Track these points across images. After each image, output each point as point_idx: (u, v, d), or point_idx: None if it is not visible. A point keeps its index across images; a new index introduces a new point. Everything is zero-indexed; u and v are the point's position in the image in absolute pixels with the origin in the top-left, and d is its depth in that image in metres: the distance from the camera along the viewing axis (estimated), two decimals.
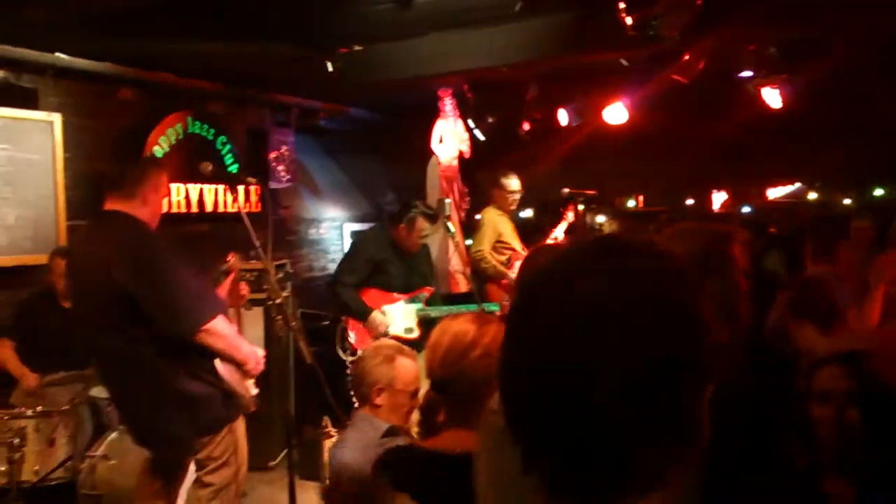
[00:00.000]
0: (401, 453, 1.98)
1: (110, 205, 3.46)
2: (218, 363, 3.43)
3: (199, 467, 3.51)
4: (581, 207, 6.81)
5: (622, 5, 3.99)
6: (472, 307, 5.21)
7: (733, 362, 1.91)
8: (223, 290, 3.89)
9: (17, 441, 4.05)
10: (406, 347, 3.18)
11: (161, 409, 3.35)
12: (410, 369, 3.05)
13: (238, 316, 3.91)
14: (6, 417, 4.20)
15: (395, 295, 5.40)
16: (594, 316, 0.86)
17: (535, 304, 0.91)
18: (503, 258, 6.09)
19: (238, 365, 3.52)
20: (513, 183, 6.24)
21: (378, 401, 2.98)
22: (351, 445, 2.87)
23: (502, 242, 6.14)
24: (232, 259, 4.23)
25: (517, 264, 5.95)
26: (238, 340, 3.52)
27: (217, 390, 3.40)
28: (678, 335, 0.89)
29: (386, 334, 5.19)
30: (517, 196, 6.28)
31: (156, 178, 3.53)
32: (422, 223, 5.39)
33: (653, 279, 0.91)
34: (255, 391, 3.72)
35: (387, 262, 5.39)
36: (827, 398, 2.31)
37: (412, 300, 5.42)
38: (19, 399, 4.57)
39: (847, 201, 11.78)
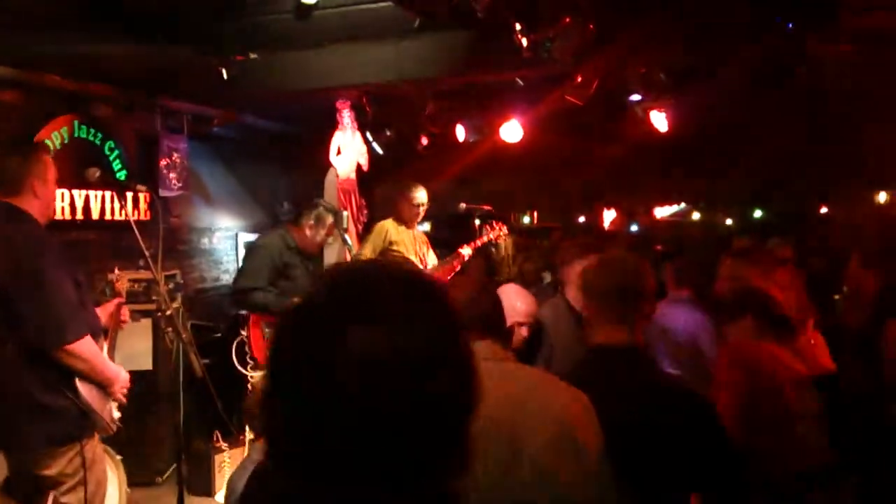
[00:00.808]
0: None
1: (5, 196, 3.29)
2: (78, 380, 3.31)
3: (54, 485, 3.33)
4: (478, 223, 6.88)
5: (518, 27, 4.10)
6: None
7: None
8: (105, 311, 3.74)
9: None
10: None
11: (13, 413, 3.23)
12: None
13: (113, 333, 3.76)
14: None
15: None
16: (369, 365, 0.88)
17: (309, 347, 0.92)
18: None
19: (101, 386, 3.41)
20: (420, 195, 6.20)
21: None
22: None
23: (393, 251, 6.13)
24: (119, 280, 4.08)
25: None
26: (102, 362, 3.38)
27: (73, 405, 3.27)
28: (448, 380, 0.92)
29: None
30: (422, 209, 6.25)
31: (41, 165, 3.35)
32: (329, 218, 5.40)
33: (427, 329, 0.93)
34: (117, 414, 3.60)
35: (290, 266, 5.31)
36: None
37: None
38: None
39: (729, 221, 12.41)
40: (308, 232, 5.35)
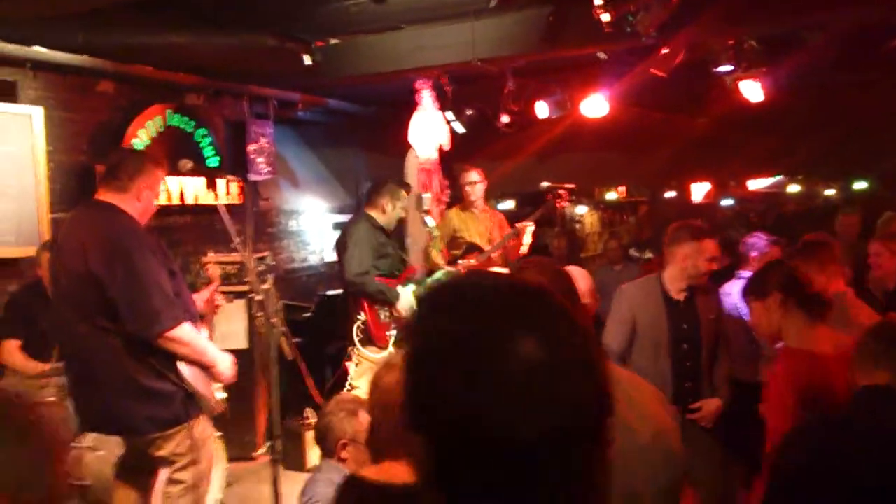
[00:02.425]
0: (345, 491, 1.99)
1: (101, 195, 3.49)
2: (182, 364, 3.45)
3: (168, 464, 3.53)
4: (564, 204, 6.80)
5: (598, 1, 4.03)
6: (443, 276, 5.51)
7: None
8: (200, 298, 3.90)
9: None
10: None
11: (121, 401, 3.36)
12: None
13: (211, 318, 3.92)
14: None
15: (395, 280, 5.45)
16: (528, 380, 0.88)
17: (467, 362, 0.90)
18: (458, 252, 6.14)
19: (205, 369, 3.55)
20: (469, 176, 6.21)
21: (343, 455, 3.04)
22: (320, 488, 2.93)
23: (457, 238, 6.17)
24: (209, 266, 4.25)
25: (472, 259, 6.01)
26: (204, 346, 3.52)
27: (179, 389, 3.42)
28: (597, 397, 0.93)
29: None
30: (476, 187, 6.19)
31: (152, 174, 3.54)
32: (403, 192, 5.52)
33: (576, 343, 0.93)
34: (221, 395, 3.74)
35: (384, 245, 5.45)
36: None
37: (406, 282, 5.49)
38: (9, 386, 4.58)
39: (830, 192, 11.92)
40: (388, 208, 5.46)
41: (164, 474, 3.62)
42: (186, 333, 3.40)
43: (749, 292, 3.18)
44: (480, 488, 0.89)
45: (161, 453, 3.48)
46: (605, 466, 0.95)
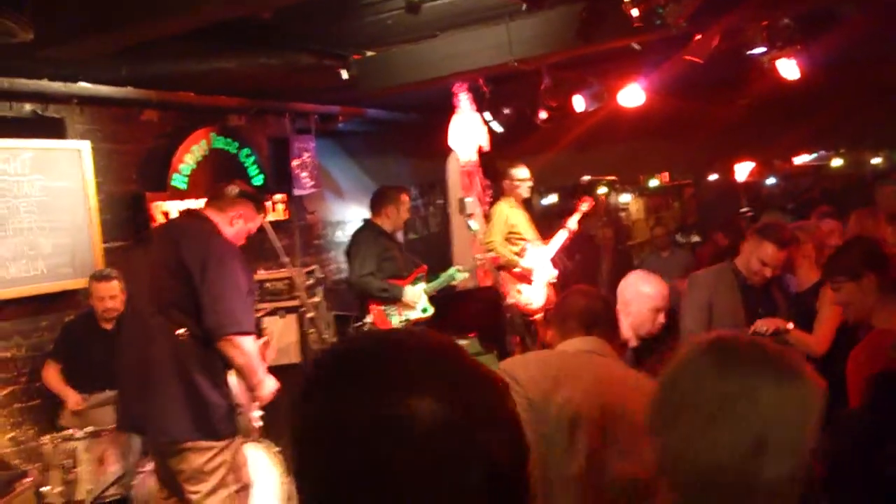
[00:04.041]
0: None
1: (202, 209, 3.77)
2: (231, 379, 3.55)
3: (188, 480, 3.51)
4: (603, 191, 6.82)
5: None
6: (454, 273, 5.84)
7: None
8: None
9: (69, 462, 4.20)
10: None
11: (170, 400, 3.45)
12: None
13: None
14: (58, 440, 4.35)
15: (402, 281, 5.67)
16: (429, 441, 0.85)
17: (362, 433, 0.86)
18: (516, 248, 6.21)
19: (250, 388, 3.64)
20: (520, 172, 6.38)
21: None
22: None
23: (514, 234, 6.26)
24: (268, 331, 4.39)
25: (529, 253, 6.17)
26: (258, 364, 3.61)
27: (225, 402, 3.52)
28: (511, 450, 0.91)
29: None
30: (527, 184, 6.44)
31: (246, 209, 3.75)
32: (404, 196, 5.84)
33: (482, 397, 0.91)
34: (259, 422, 3.80)
35: (388, 249, 5.71)
36: None
37: (415, 282, 5.64)
38: (68, 420, 4.72)
39: (876, 160, 11.64)
40: (391, 214, 5.78)
41: (193, 500, 3.56)
42: (250, 345, 3.52)
43: (839, 271, 3.03)
44: None
45: (184, 466, 3.48)
46: None
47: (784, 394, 1.28)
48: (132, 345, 3.65)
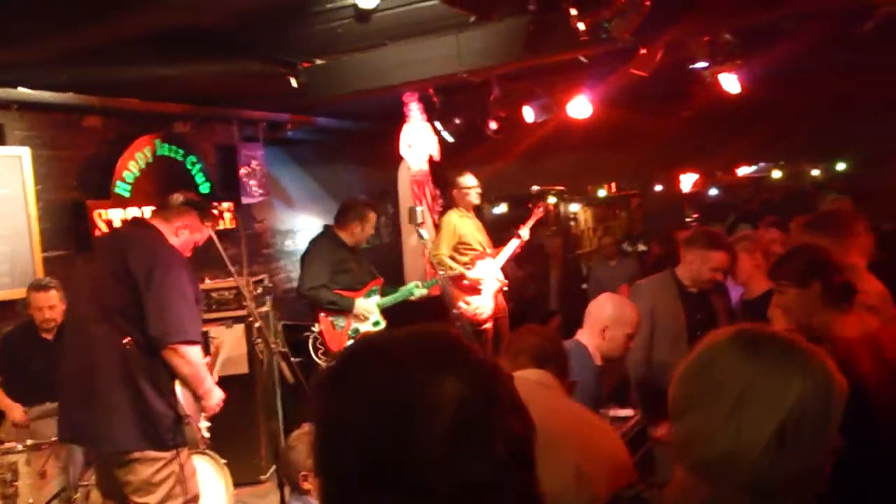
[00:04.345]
0: None
1: (148, 219, 3.74)
2: (178, 389, 3.50)
3: (136, 492, 3.47)
4: (553, 201, 6.90)
5: (573, 11, 4.07)
6: (413, 288, 5.78)
7: None
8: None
9: (9, 476, 4.11)
10: None
11: (114, 410, 3.40)
12: None
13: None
14: None
15: (356, 293, 5.63)
16: (458, 416, 0.91)
17: (395, 408, 0.92)
18: (465, 259, 6.23)
19: (197, 398, 3.59)
20: (467, 180, 6.43)
21: (306, 485, 3.14)
22: None
23: (464, 244, 6.28)
24: (217, 341, 4.36)
25: (479, 263, 6.17)
26: (206, 373, 3.60)
27: (171, 412, 3.47)
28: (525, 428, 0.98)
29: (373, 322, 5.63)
30: (475, 191, 6.45)
31: (192, 219, 3.71)
32: (372, 214, 5.76)
33: (497, 380, 0.98)
34: (206, 433, 3.77)
35: (345, 260, 5.65)
36: None
37: (368, 294, 5.61)
38: (8, 433, 4.61)
39: (815, 172, 11.97)
40: (356, 230, 5.71)
41: None
42: (196, 355, 3.50)
43: (784, 276, 3.07)
44: None
45: (131, 477, 3.44)
46: (540, 497, 0.98)
47: (809, 386, 1.29)
48: (75, 354, 3.59)
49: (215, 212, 5.92)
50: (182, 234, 3.67)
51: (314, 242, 5.82)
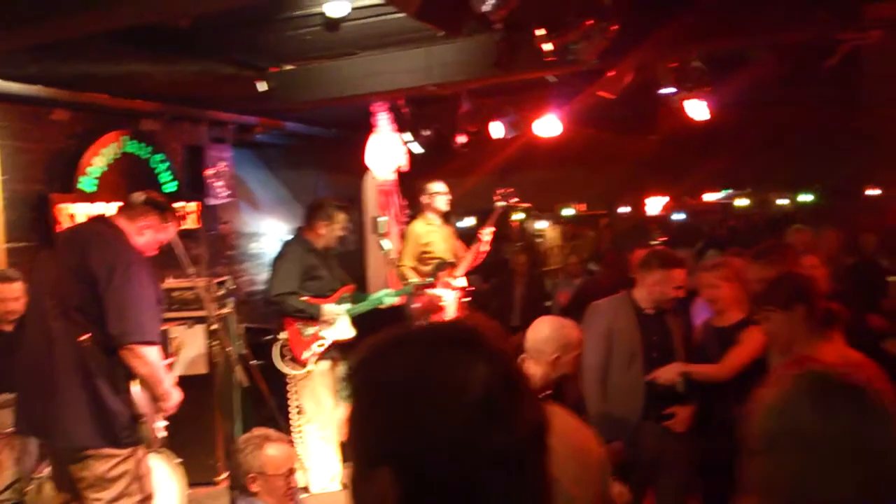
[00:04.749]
0: None
1: (112, 217, 3.71)
2: (134, 389, 3.50)
3: (90, 487, 3.47)
4: (519, 217, 6.93)
5: (540, 32, 4.17)
6: (383, 296, 5.70)
7: None
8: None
9: None
10: (274, 433, 3.41)
11: (69, 405, 3.40)
12: (279, 454, 3.28)
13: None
14: None
15: (325, 300, 5.55)
16: (487, 397, 0.98)
17: (419, 404, 0.99)
18: (428, 268, 6.21)
19: (155, 398, 3.59)
20: (435, 185, 6.40)
21: (254, 487, 3.21)
22: None
23: (427, 253, 6.28)
24: (177, 341, 4.36)
25: (442, 275, 6.10)
26: (163, 374, 3.59)
27: (127, 410, 3.47)
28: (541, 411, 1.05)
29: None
30: (443, 197, 6.40)
31: (154, 219, 3.70)
32: (340, 215, 5.62)
33: (517, 367, 1.06)
34: (162, 433, 3.77)
35: (316, 267, 5.55)
36: None
37: (339, 301, 5.57)
38: None
39: (782, 201, 12.20)
40: (322, 231, 5.58)
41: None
42: (154, 355, 3.49)
43: (769, 301, 3.14)
44: None
45: (85, 473, 3.44)
46: (550, 479, 1.05)
47: (886, 434, 1.34)
48: (33, 347, 3.58)
49: (177, 213, 5.94)
50: (146, 234, 3.67)
51: (285, 247, 5.73)
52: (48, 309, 3.49)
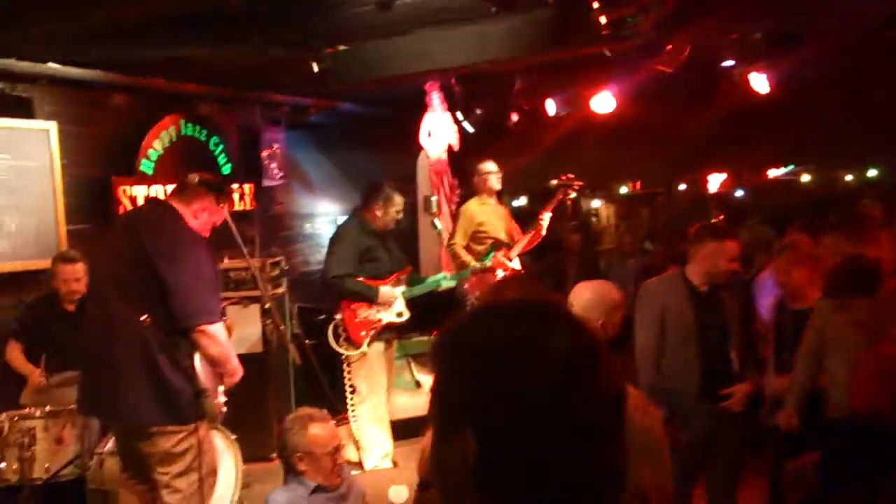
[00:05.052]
0: None
1: (167, 199, 3.75)
2: (197, 363, 3.54)
3: (160, 463, 3.53)
4: (573, 196, 6.85)
5: (595, 5, 4.08)
6: (441, 279, 5.70)
7: None
8: None
9: (26, 441, 4.17)
10: (317, 412, 3.44)
11: (133, 385, 3.43)
12: (324, 433, 3.32)
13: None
14: (16, 418, 4.33)
15: (382, 281, 5.55)
16: (569, 363, 0.98)
17: (504, 368, 1.00)
18: (482, 247, 6.17)
19: (224, 375, 3.63)
20: (487, 165, 6.33)
21: (301, 466, 3.25)
22: (279, 496, 3.26)
23: (481, 232, 6.22)
24: (229, 321, 4.41)
25: (498, 255, 6.06)
26: (231, 352, 3.62)
27: (190, 386, 3.47)
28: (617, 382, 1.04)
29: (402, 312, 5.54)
30: (495, 176, 6.33)
31: (209, 201, 3.71)
32: (397, 198, 5.60)
33: (594, 337, 1.05)
34: (224, 407, 3.81)
35: (373, 248, 5.54)
36: None
37: (396, 283, 5.57)
38: (28, 399, 4.69)
39: (848, 178, 11.83)
40: (379, 213, 5.56)
41: (161, 488, 3.58)
42: (222, 333, 3.52)
43: (855, 289, 3.28)
44: (525, 482, 0.98)
45: (152, 450, 3.49)
46: (625, 451, 1.05)
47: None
48: (94, 331, 3.63)
49: (232, 193, 6.00)
50: (201, 217, 3.68)
51: (341, 228, 5.74)
52: (108, 293, 3.54)
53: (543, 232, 6.30)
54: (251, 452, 5.11)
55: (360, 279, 5.47)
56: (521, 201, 9.53)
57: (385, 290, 5.50)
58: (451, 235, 6.24)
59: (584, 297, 3.14)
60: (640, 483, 1.86)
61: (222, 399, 3.83)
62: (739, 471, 4.10)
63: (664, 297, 3.98)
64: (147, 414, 3.45)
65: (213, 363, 3.57)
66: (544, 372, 0.98)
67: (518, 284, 2.38)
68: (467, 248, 6.18)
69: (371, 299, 5.45)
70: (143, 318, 3.38)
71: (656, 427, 2.29)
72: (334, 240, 5.67)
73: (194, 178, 3.78)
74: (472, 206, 6.33)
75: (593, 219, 11.39)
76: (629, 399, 1.81)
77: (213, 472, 3.73)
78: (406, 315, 5.59)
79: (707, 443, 3.93)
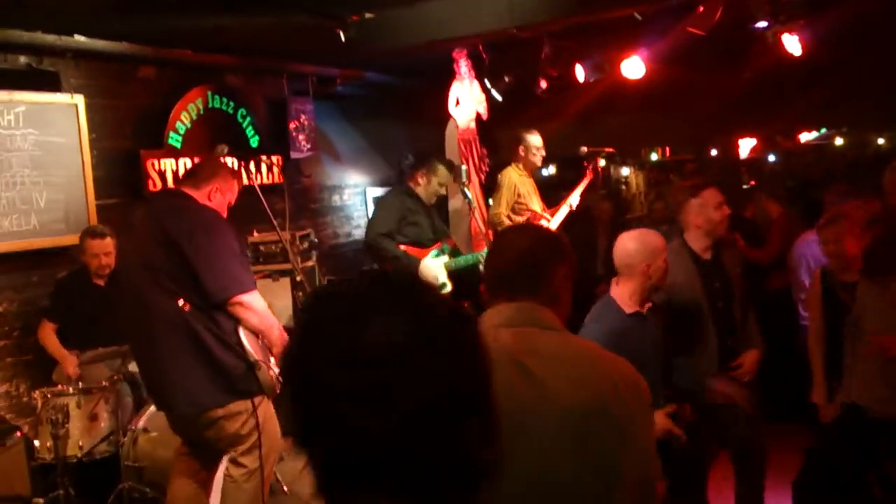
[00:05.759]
0: None
1: (178, 187, 3.76)
2: (244, 337, 3.51)
3: (228, 446, 3.55)
4: (602, 163, 6.77)
5: None
6: (481, 256, 5.56)
7: None
8: None
9: (60, 418, 4.19)
10: None
11: (189, 370, 3.43)
12: None
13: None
14: (49, 395, 4.38)
15: (423, 250, 5.51)
16: (389, 357, 0.92)
17: (327, 343, 0.95)
18: (521, 219, 6.11)
19: (271, 344, 3.60)
20: (536, 139, 6.30)
21: None
22: None
23: (521, 203, 6.17)
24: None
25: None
26: (273, 319, 3.60)
27: (241, 361, 3.47)
28: (465, 374, 0.96)
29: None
30: (541, 154, 6.31)
31: (223, 180, 3.72)
32: (442, 169, 5.60)
33: (443, 321, 0.98)
34: (279, 376, 3.79)
35: (414, 212, 5.54)
36: None
37: (437, 253, 5.53)
38: (61, 376, 4.74)
39: (881, 141, 11.56)
40: (421, 181, 5.61)
41: (226, 458, 3.63)
42: (258, 301, 3.51)
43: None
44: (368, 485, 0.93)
45: (221, 434, 3.50)
46: (492, 444, 0.98)
47: None
48: (138, 328, 3.62)
49: (252, 167, 5.97)
50: (215, 198, 3.67)
51: (386, 194, 5.82)
52: (142, 286, 3.51)
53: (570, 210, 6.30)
54: (286, 426, 5.12)
55: (402, 247, 5.43)
56: (550, 170, 9.40)
57: (427, 261, 5.44)
58: (496, 204, 6.16)
59: (629, 247, 3.23)
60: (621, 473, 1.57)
61: (276, 370, 3.82)
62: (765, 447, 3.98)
63: (671, 273, 3.85)
64: (207, 397, 3.45)
65: (258, 333, 3.56)
66: (354, 365, 0.92)
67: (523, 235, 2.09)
68: (509, 218, 6.11)
69: (409, 267, 5.39)
70: (180, 303, 3.37)
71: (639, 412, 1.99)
72: (377, 204, 5.74)
73: (223, 148, 3.76)
74: (514, 175, 6.24)
75: (622, 187, 11.24)
76: (614, 377, 1.67)
77: (277, 449, 3.74)
78: (448, 287, 5.51)
79: (725, 414, 3.84)
